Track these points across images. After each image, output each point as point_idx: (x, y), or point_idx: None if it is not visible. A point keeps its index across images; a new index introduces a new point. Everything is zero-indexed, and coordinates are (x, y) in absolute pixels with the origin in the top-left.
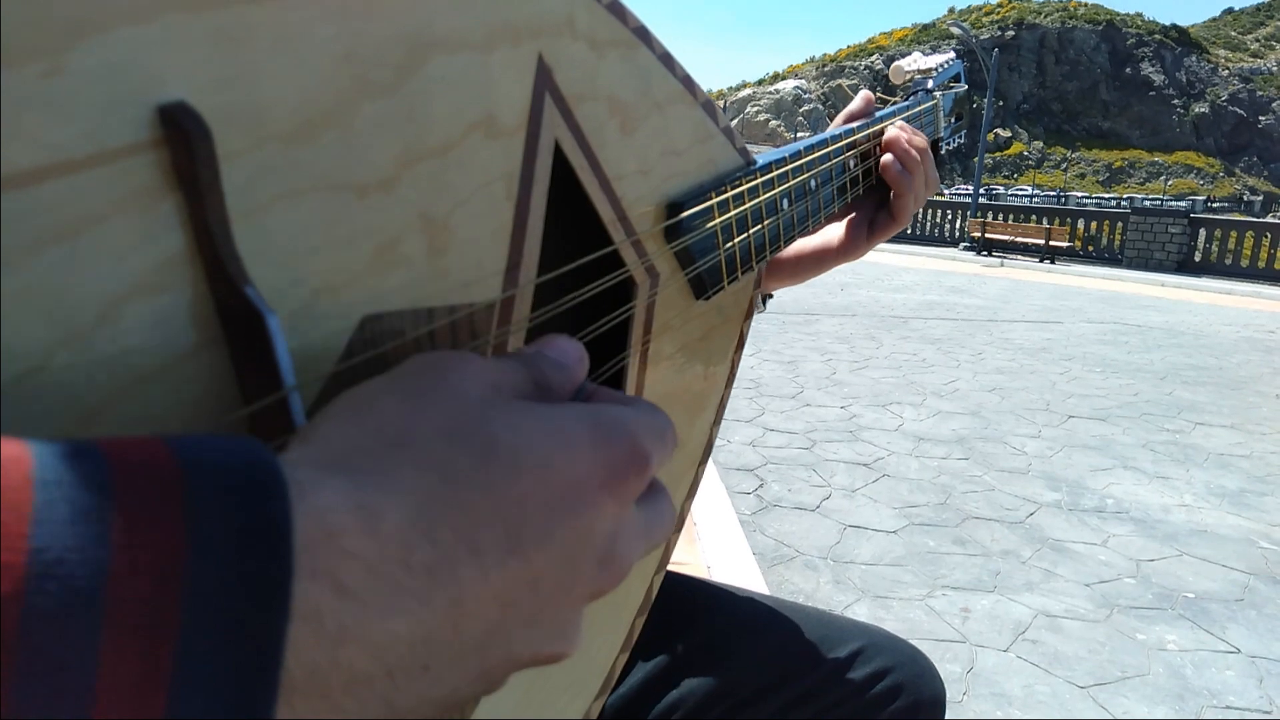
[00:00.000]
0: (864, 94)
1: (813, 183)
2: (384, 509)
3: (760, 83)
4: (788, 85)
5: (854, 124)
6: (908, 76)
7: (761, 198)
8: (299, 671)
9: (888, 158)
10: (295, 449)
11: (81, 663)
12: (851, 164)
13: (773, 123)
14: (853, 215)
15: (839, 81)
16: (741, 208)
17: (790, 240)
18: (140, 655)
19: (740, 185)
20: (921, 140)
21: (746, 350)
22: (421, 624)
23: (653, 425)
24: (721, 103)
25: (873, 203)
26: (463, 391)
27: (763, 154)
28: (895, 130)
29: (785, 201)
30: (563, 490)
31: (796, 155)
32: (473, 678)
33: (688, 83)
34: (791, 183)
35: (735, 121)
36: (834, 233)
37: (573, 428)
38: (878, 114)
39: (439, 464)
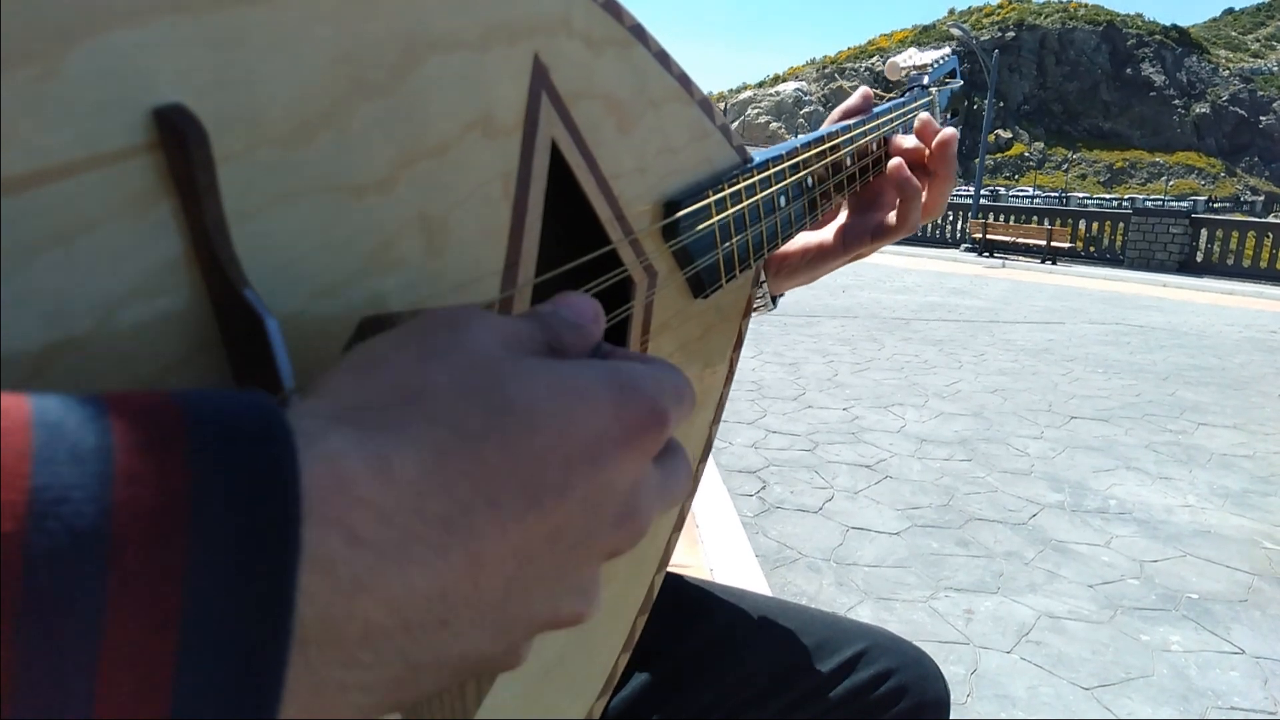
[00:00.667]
0: (863, 90)
1: (810, 180)
2: (397, 458)
3: (761, 85)
4: (788, 87)
5: (850, 120)
6: (903, 72)
7: (759, 195)
8: (313, 622)
9: (894, 163)
10: (302, 401)
11: (86, 604)
12: (849, 161)
13: (773, 125)
14: (858, 215)
15: (839, 83)
16: (739, 206)
17: (788, 238)
18: (148, 597)
19: (738, 183)
20: (950, 132)
21: (748, 352)
22: (439, 577)
23: (672, 383)
24: (722, 105)
25: (879, 204)
26: (477, 348)
27: (760, 151)
28: (912, 141)
29: (783, 199)
30: (580, 445)
31: (794, 152)
32: (492, 637)
33: (684, 81)
34: (789, 180)
35: (736, 124)
36: (839, 232)
37: (590, 384)
38: (875, 110)
39: (453, 418)
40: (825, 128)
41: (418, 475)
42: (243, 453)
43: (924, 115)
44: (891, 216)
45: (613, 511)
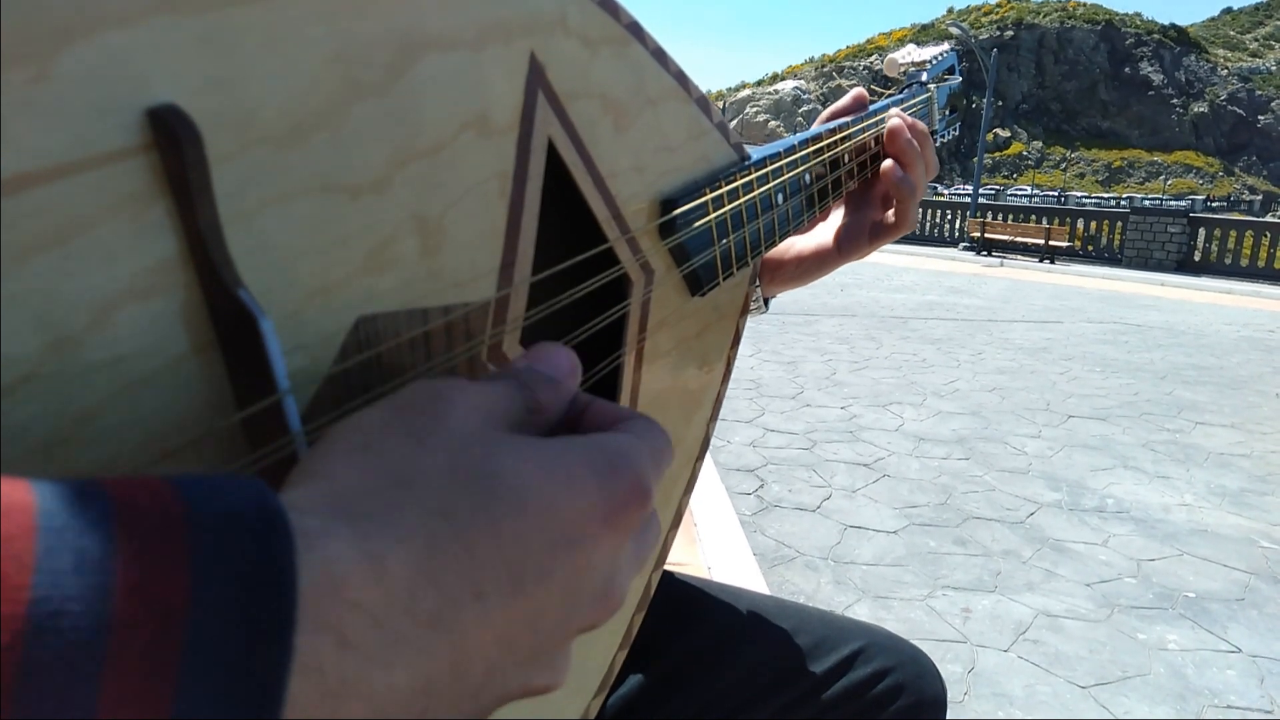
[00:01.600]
0: (857, 91)
1: (807, 177)
2: (390, 557)
3: (759, 83)
4: (787, 86)
5: (848, 118)
6: (902, 69)
7: (756, 193)
8: None
9: (888, 164)
10: (300, 488)
11: (79, 714)
12: (846, 158)
13: (772, 123)
14: (855, 216)
15: (837, 82)
16: (736, 203)
17: (785, 235)
18: (139, 705)
19: (734, 181)
20: (922, 127)
21: (746, 351)
22: (423, 673)
23: (653, 452)
24: (721, 103)
25: (876, 204)
26: (462, 428)
27: (757, 149)
28: (897, 120)
29: (780, 196)
30: (565, 528)
31: (790, 150)
32: (466, 715)
33: (681, 78)
34: (786, 177)
35: (735, 122)
36: (836, 234)
37: (576, 465)
38: (872, 107)
39: (443, 505)
40: (823, 125)
41: (410, 573)
42: (243, 554)
43: (891, 124)
44: (889, 215)
45: (591, 591)
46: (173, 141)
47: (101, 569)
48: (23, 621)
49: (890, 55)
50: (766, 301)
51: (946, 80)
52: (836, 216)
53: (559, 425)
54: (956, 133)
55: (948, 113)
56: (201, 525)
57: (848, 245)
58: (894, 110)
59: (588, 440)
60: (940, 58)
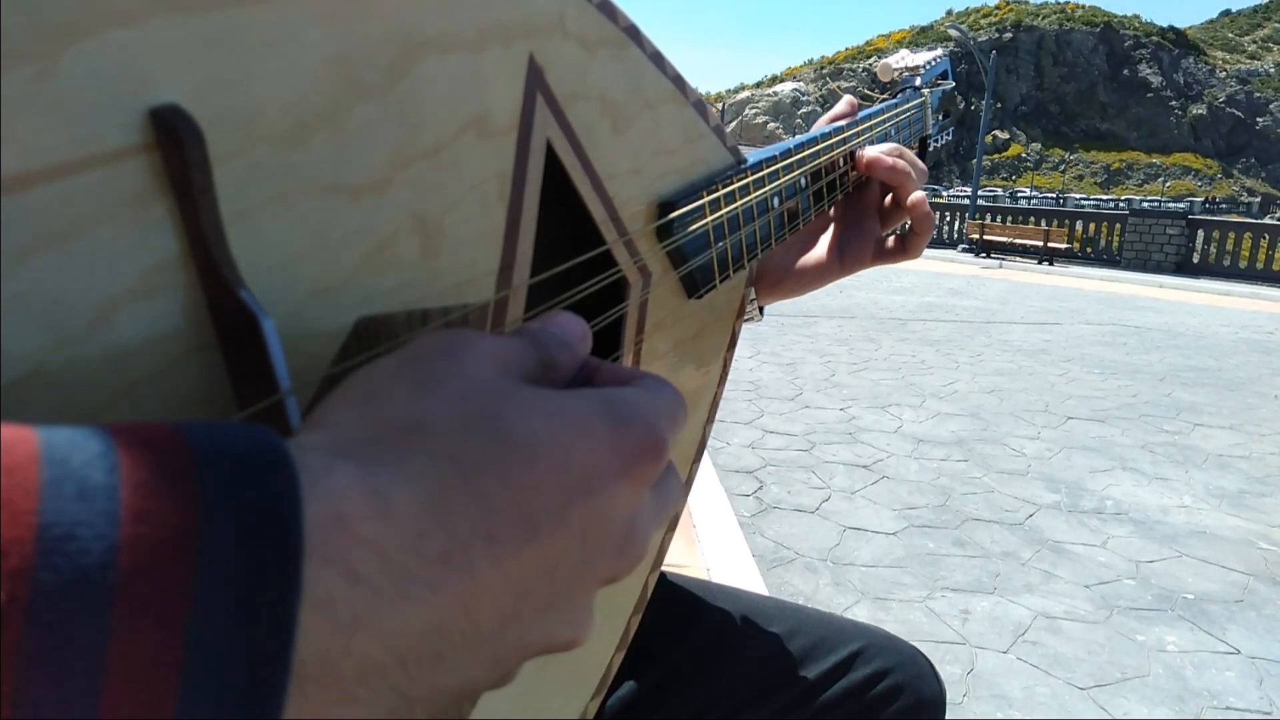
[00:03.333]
0: (847, 99)
1: (803, 180)
2: (397, 494)
3: (759, 85)
4: (786, 88)
5: (842, 123)
6: (895, 73)
7: (752, 196)
8: (311, 660)
9: (918, 195)
10: (306, 434)
11: (90, 642)
12: (842, 162)
13: (771, 125)
14: (857, 230)
15: (833, 85)
16: (733, 206)
17: (782, 238)
18: (151, 634)
19: (731, 184)
20: (891, 146)
21: (745, 352)
22: (435, 612)
23: (666, 405)
24: (720, 105)
25: (877, 218)
26: (475, 375)
27: (753, 152)
28: (872, 152)
29: (776, 199)
30: (579, 478)
31: (787, 153)
32: (487, 667)
33: (678, 82)
34: (782, 180)
35: (734, 124)
36: (839, 247)
37: (589, 415)
38: (867, 111)
39: (453, 451)
40: (819, 129)
41: (417, 512)
42: (247, 490)
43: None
44: (891, 240)
45: (612, 541)
46: (175, 141)
47: (106, 495)
48: (32, 545)
49: (884, 60)
50: (761, 309)
51: (940, 85)
52: (837, 228)
53: (570, 387)
54: (950, 136)
55: (941, 117)
56: (205, 461)
57: (850, 259)
58: (859, 141)
59: (600, 392)
60: (934, 63)
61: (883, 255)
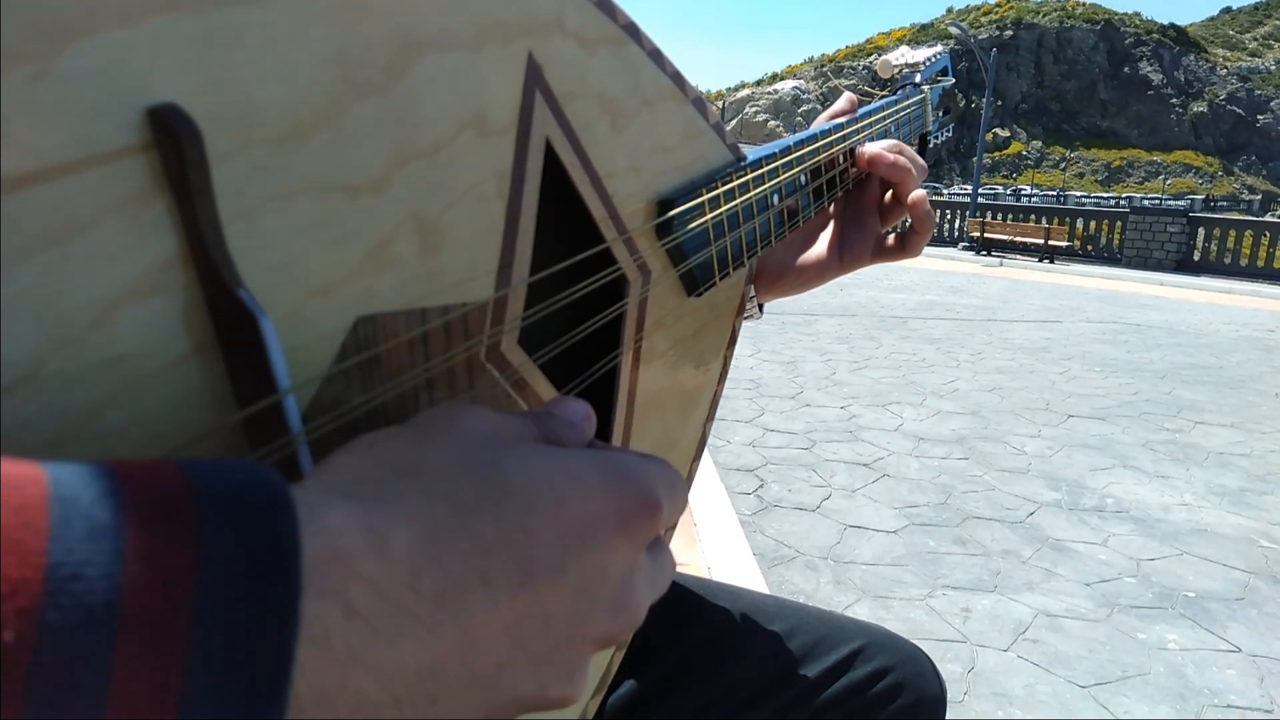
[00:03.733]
0: (846, 96)
1: (803, 177)
2: (393, 532)
3: (759, 83)
4: (786, 86)
5: (842, 120)
6: (895, 70)
7: (752, 193)
8: (307, 694)
9: (919, 194)
10: (307, 476)
11: (93, 679)
12: (842, 159)
13: (771, 123)
14: (857, 227)
15: (834, 83)
16: (732, 204)
17: (781, 236)
18: (151, 672)
19: (731, 181)
20: (891, 143)
21: (746, 350)
22: (430, 652)
23: (663, 474)
24: (720, 103)
25: (876, 215)
26: (473, 430)
27: (753, 150)
28: (874, 149)
29: (776, 197)
30: (575, 527)
31: (786, 150)
32: (481, 712)
33: (677, 79)
34: (782, 178)
35: (734, 122)
36: (838, 245)
37: (584, 469)
38: (867, 108)
39: (449, 493)
40: (818, 126)
41: (413, 550)
42: (246, 529)
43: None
44: (891, 238)
45: (607, 597)
46: (173, 140)
47: (113, 536)
48: (40, 585)
49: (884, 57)
50: (761, 306)
51: (940, 81)
52: (837, 226)
53: None
54: (950, 133)
55: (941, 113)
56: (205, 498)
57: (849, 257)
58: (859, 138)
59: (597, 453)
60: (934, 59)
61: (882, 253)
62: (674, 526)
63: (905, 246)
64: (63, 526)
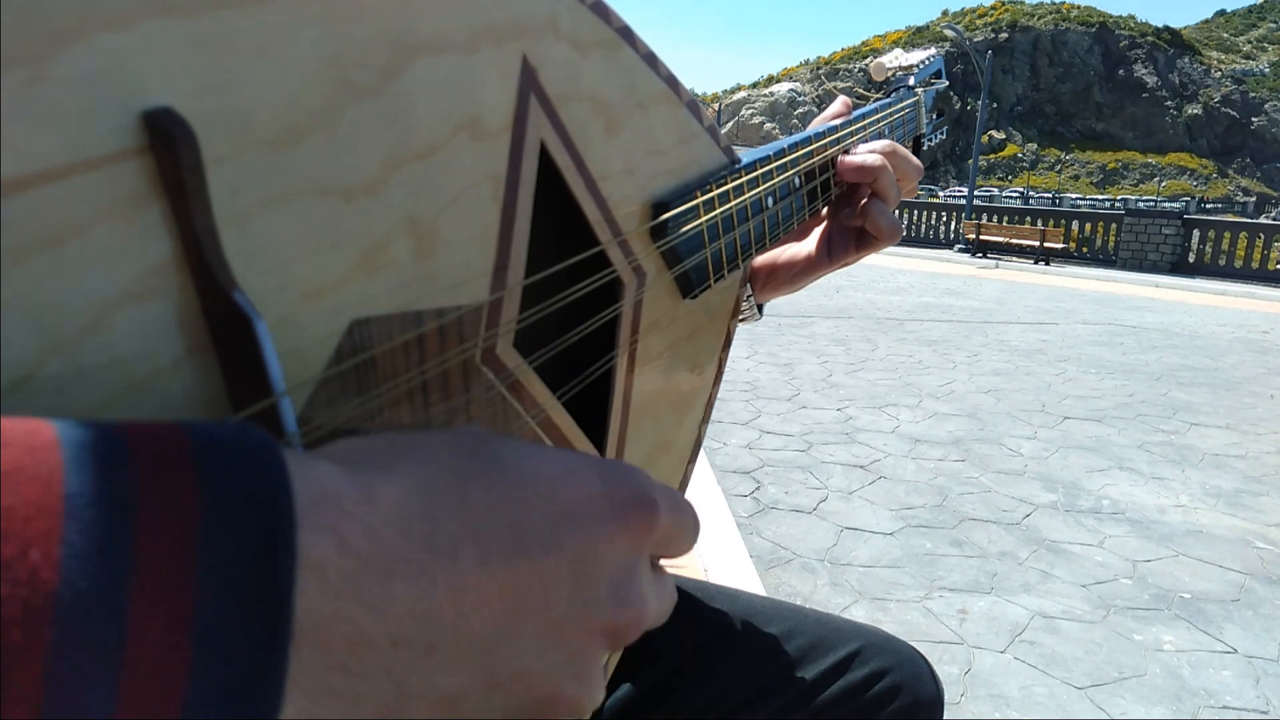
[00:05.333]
0: (841, 99)
1: (797, 180)
2: (380, 485)
3: (755, 85)
4: (782, 88)
5: (837, 121)
6: (889, 73)
7: (746, 196)
8: (304, 618)
9: (873, 188)
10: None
11: (113, 602)
12: (835, 162)
13: (768, 125)
14: (844, 223)
15: (830, 85)
16: (727, 206)
17: (776, 238)
18: (164, 598)
19: (725, 184)
20: (882, 144)
21: (742, 353)
22: (422, 595)
23: (664, 487)
24: (716, 106)
25: (859, 211)
26: (467, 429)
27: (748, 152)
28: (856, 158)
29: (770, 199)
30: (568, 509)
31: (780, 153)
32: (483, 682)
33: (672, 82)
34: (776, 180)
35: (730, 125)
36: (827, 240)
37: (580, 463)
38: (861, 110)
39: (441, 463)
40: (812, 129)
41: (401, 501)
42: (245, 474)
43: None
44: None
45: (609, 583)
46: (168, 144)
47: (122, 469)
48: (59, 516)
49: (878, 60)
50: (760, 308)
51: (934, 84)
52: (827, 223)
53: None
54: (944, 135)
55: (935, 116)
56: (202, 443)
57: (837, 251)
58: (853, 141)
59: (597, 457)
60: (927, 62)
61: (863, 245)
62: (685, 544)
63: (876, 236)
64: (76, 463)
